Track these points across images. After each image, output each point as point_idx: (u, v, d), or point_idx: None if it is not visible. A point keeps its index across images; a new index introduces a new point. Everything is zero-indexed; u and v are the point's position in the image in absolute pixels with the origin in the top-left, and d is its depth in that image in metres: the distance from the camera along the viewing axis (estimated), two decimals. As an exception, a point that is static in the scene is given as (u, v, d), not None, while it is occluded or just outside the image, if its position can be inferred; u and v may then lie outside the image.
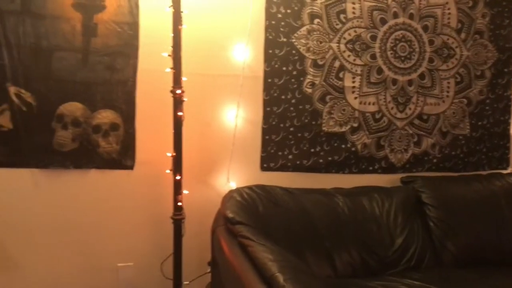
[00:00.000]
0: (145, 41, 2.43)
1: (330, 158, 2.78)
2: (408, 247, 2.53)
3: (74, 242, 2.43)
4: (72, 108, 2.35)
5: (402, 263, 2.49)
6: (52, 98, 2.31)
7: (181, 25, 2.28)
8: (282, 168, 2.72)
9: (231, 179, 2.61)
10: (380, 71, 2.84)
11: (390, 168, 2.92)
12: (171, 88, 2.30)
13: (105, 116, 2.40)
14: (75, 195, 2.42)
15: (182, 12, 2.27)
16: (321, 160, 2.77)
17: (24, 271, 2.37)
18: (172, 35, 2.27)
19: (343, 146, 2.80)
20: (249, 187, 2.39)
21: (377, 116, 2.86)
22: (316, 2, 2.68)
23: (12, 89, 2.25)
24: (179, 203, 2.35)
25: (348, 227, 2.47)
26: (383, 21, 2.82)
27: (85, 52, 2.34)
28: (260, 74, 2.65)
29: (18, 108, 2.27)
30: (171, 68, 2.29)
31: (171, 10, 2.26)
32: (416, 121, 2.94)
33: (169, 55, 2.30)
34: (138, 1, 2.40)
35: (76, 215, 2.42)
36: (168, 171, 2.36)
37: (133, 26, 2.40)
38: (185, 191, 2.37)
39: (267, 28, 2.63)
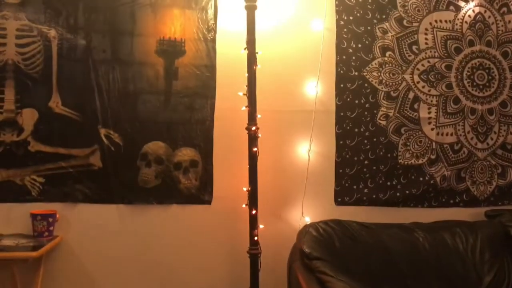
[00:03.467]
0: (221, 82, 2.57)
1: (407, 192, 2.70)
2: (498, 286, 2.36)
3: (155, 275, 2.52)
4: (155, 147, 2.50)
5: (493, 304, 2.33)
6: (137, 138, 2.49)
7: (255, 65, 2.38)
8: (357, 202, 2.68)
9: (305, 213, 2.60)
10: (457, 100, 2.75)
11: (472, 202, 2.78)
12: (246, 125, 2.39)
13: (185, 154, 2.53)
14: (157, 230, 2.53)
15: (256, 53, 2.38)
16: (398, 194, 2.70)
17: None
18: (247, 75, 2.38)
19: (421, 179, 2.71)
20: (325, 222, 2.38)
21: (456, 147, 2.75)
22: (387, 35, 2.69)
23: (102, 131, 2.46)
24: (256, 238, 2.38)
25: (430, 264, 2.37)
26: (458, 50, 2.75)
27: (167, 94, 2.51)
28: (332, 108, 2.67)
29: (107, 148, 2.46)
30: (246, 106, 2.39)
31: (246, 51, 2.38)
32: (499, 151, 2.80)
33: (244, 94, 2.40)
34: (215, 45, 2.56)
35: (157, 249, 2.52)
36: (244, 205, 2.41)
37: (211, 68, 2.55)
38: (260, 226, 2.41)
39: (338, 63, 2.67)
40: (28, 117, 2.39)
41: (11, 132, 2.38)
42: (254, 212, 2.37)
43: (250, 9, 2.38)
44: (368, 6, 2.70)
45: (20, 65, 2.38)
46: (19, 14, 2.38)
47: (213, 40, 2.56)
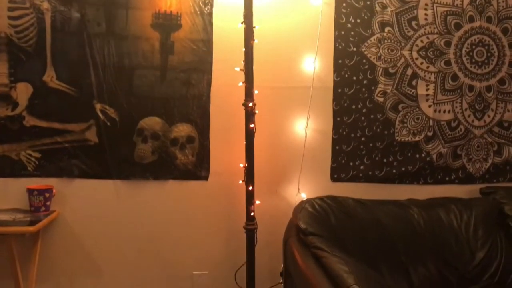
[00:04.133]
0: (218, 57, 2.53)
1: (403, 169, 2.71)
2: (491, 262, 2.39)
3: (152, 250, 2.55)
4: (152, 122, 2.49)
5: (484, 279, 2.36)
6: (133, 114, 2.47)
7: (253, 40, 2.35)
8: (354, 179, 2.69)
9: (302, 189, 2.62)
10: (455, 77, 2.73)
11: (468, 179, 2.79)
12: (243, 101, 2.37)
13: (182, 130, 2.52)
14: (154, 205, 2.54)
15: (254, 27, 2.34)
16: (394, 171, 2.71)
17: (106, 277, 2.53)
18: (244, 50, 2.35)
19: (417, 156, 2.72)
20: (321, 198, 2.38)
21: (453, 125, 2.75)
22: (386, 10, 2.65)
23: (98, 106, 2.44)
24: (252, 213, 2.40)
25: (424, 240, 2.38)
26: (458, 26, 2.72)
27: (163, 69, 2.48)
28: (330, 84, 2.65)
29: (103, 123, 2.44)
30: (243, 82, 2.37)
31: (243, 26, 2.34)
32: (496, 129, 2.80)
33: (241, 70, 2.37)
34: (212, 19, 2.52)
35: (154, 225, 2.54)
36: (240, 181, 2.42)
37: (207, 43, 2.51)
38: (257, 202, 2.42)
39: (337, 39, 2.64)
40: (23, 92, 2.36)
41: (5, 107, 2.36)
42: (250, 188, 2.38)
43: (248, -18, 2.33)
44: (368, -20, 2.65)
45: (13, 38, 2.34)
46: (10, -15, 2.33)
47: (210, 14, 2.51)
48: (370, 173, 2.69)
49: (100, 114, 2.44)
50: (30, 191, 2.33)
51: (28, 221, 2.19)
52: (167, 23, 2.47)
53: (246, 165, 2.39)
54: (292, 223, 2.30)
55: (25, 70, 2.36)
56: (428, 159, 2.73)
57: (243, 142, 2.40)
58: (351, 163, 2.68)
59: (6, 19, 2.33)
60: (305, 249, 2.06)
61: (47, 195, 2.34)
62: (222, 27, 2.52)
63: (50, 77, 2.38)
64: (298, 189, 2.62)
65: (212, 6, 2.51)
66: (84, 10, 2.40)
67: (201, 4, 2.50)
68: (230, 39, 2.49)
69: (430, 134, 2.72)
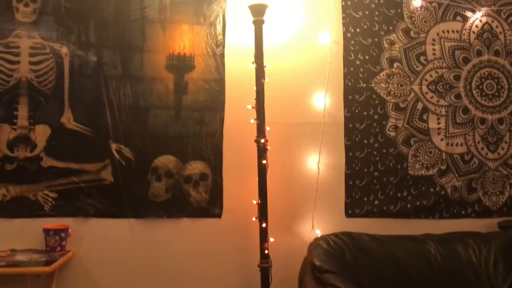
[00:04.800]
0: (230, 95, 2.59)
1: (418, 203, 2.68)
2: (513, 298, 2.33)
3: (166, 288, 2.53)
4: (166, 160, 2.53)
5: (507, 316, 2.29)
6: (148, 152, 2.52)
7: (264, 78, 2.40)
8: (368, 214, 2.66)
9: (316, 226, 2.60)
10: (466, 110, 2.75)
11: (485, 212, 2.75)
12: (255, 138, 2.40)
13: (195, 167, 2.55)
14: (168, 244, 2.54)
15: (264, 67, 2.40)
16: (409, 205, 2.68)
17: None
18: (256, 88, 2.40)
19: (431, 189, 2.70)
20: (335, 234, 2.37)
21: (467, 158, 2.74)
22: (394, 46, 2.70)
23: (113, 146, 2.49)
24: (266, 251, 2.38)
25: (442, 276, 2.34)
26: (466, 60, 2.76)
27: (177, 108, 2.54)
28: (341, 120, 2.68)
29: (118, 162, 2.49)
30: (255, 119, 2.40)
31: (254, 65, 2.40)
32: (511, 161, 2.77)
33: (253, 107, 2.42)
34: (224, 60, 2.59)
35: (168, 263, 2.53)
36: (254, 218, 2.42)
37: (220, 82, 2.58)
38: (270, 239, 2.41)
39: (346, 75, 2.69)
40: (41, 133, 2.43)
41: (24, 148, 2.42)
42: (264, 225, 2.37)
43: (258, 24, 2.41)
44: (375, 18, 2.72)
45: (33, 82, 2.43)
46: (32, 32, 2.45)
47: (222, 55, 2.59)
48: (384, 208, 2.67)
49: (115, 154, 2.49)
50: (46, 231, 2.35)
51: (43, 261, 2.20)
52: (181, 65, 2.55)
53: (259, 201, 2.39)
54: (307, 261, 2.28)
55: (43, 112, 2.44)
56: (442, 193, 2.71)
57: (256, 179, 2.41)
58: (365, 198, 2.67)
59: (27, 65, 2.43)
60: (321, 287, 2.03)
61: (63, 235, 2.36)
62: (233, 67, 2.60)
63: (67, 119, 2.46)
64: (312, 226, 2.60)
65: (224, 47, 2.60)
66: (101, 53, 2.49)
67: (213, 46, 2.58)
68: (241, 78, 2.55)
69: (443, 167, 2.71)
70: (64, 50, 2.47)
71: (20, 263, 2.17)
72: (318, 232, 2.56)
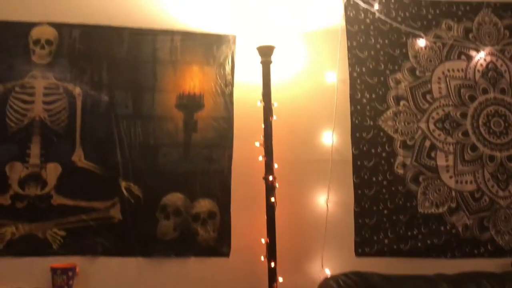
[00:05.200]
0: (239, 133, 2.62)
1: (429, 242, 2.64)
2: None
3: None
4: (174, 198, 2.53)
5: None
6: (157, 190, 2.53)
7: (271, 116, 2.44)
8: (378, 253, 2.62)
9: (325, 265, 2.55)
10: (474, 148, 2.75)
11: (498, 252, 2.69)
12: (263, 175, 2.41)
13: (204, 205, 2.55)
14: (176, 283, 2.50)
15: (272, 105, 2.44)
16: (419, 244, 2.64)
17: None
18: (264, 126, 2.43)
19: (442, 228, 2.66)
20: (345, 274, 2.32)
21: (477, 195, 2.71)
22: (400, 85, 2.75)
23: (123, 184, 2.51)
24: (275, 291, 2.34)
25: (457, 318, 2.27)
26: (472, 98, 2.78)
27: (186, 146, 2.57)
28: (349, 157, 2.69)
29: (127, 200, 2.50)
30: (263, 156, 2.42)
31: (262, 104, 2.45)
32: (522, 199, 2.75)
33: (261, 145, 2.44)
34: (232, 98, 2.65)
35: (176, 303, 2.49)
36: (262, 258, 2.39)
37: (228, 120, 2.62)
38: (279, 279, 2.37)
39: (353, 113, 2.72)
40: (52, 171, 2.46)
41: (35, 186, 2.44)
42: (273, 265, 2.34)
43: (266, 65, 2.48)
44: (380, 58, 2.77)
45: (46, 121, 2.49)
46: (47, 73, 2.52)
47: (231, 94, 2.65)
48: (395, 246, 2.63)
49: (124, 191, 2.50)
50: (53, 270, 2.33)
51: (50, 301, 2.18)
52: (191, 104, 2.61)
53: (268, 240, 2.37)
54: (317, 301, 2.23)
55: (55, 150, 2.48)
56: (453, 231, 2.66)
57: (264, 216, 2.40)
58: (375, 237, 2.63)
59: (41, 104, 2.50)
60: (331, 328, 1.98)
61: (70, 273, 2.34)
62: (242, 105, 2.64)
63: (78, 157, 2.49)
64: (322, 265, 2.56)
65: (232, 86, 2.65)
66: (113, 93, 2.56)
67: (222, 85, 2.64)
68: (250, 116, 2.58)
69: (453, 205, 2.68)
70: (77, 90, 2.53)
71: (26, 303, 2.15)
72: (328, 272, 2.51)
